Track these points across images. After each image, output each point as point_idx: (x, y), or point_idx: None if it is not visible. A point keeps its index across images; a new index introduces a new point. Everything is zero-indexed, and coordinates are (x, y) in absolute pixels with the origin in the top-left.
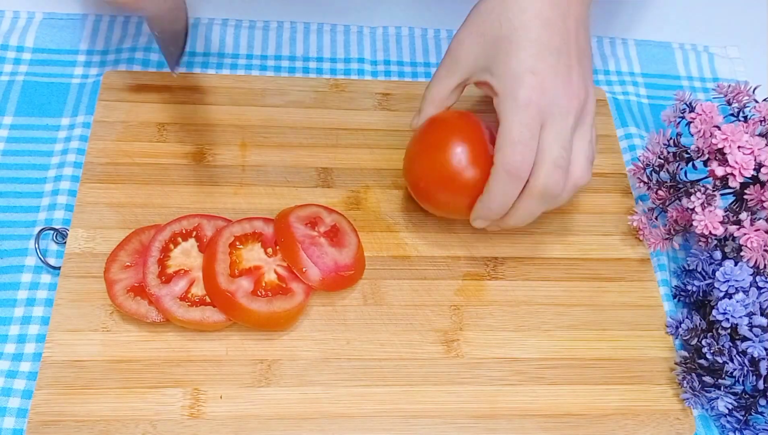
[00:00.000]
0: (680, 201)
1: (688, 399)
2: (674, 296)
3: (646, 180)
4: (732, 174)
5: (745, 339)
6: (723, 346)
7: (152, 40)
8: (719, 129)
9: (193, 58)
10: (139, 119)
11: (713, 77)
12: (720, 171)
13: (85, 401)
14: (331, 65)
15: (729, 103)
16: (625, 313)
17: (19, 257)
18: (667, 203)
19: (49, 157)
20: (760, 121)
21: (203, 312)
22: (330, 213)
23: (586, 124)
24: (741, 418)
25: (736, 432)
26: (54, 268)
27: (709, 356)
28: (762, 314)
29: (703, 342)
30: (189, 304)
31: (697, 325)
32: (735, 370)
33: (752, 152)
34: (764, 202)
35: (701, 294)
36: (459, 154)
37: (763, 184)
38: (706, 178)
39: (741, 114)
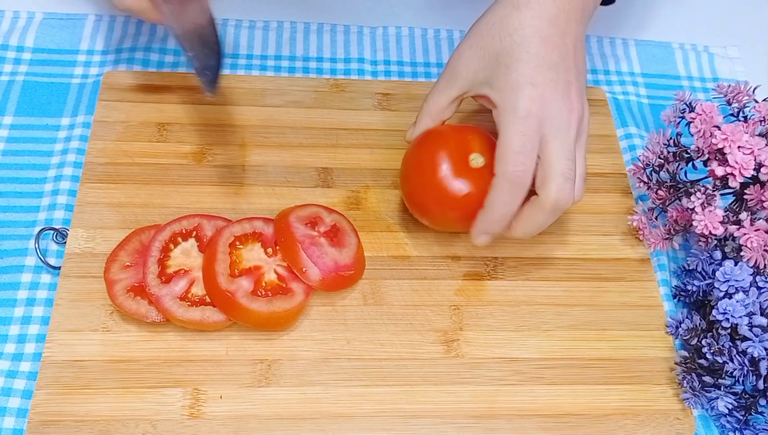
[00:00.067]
0: (680, 201)
1: (688, 399)
2: (674, 296)
3: (646, 180)
4: (732, 174)
5: (745, 339)
6: (723, 346)
7: (152, 40)
8: (719, 129)
9: None
10: (139, 119)
11: (713, 77)
12: (720, 171)
13: (85, 401)
14: (331, 65)
15: (729, 103)
16: (625, 313)
17: (19, 257)
18: (667, 203)
19: (49, 157)
20: (760, 121)
21: (203, 312)
22: (330, 213)
23: (582, 141)
24: (741, 418)
25: (736, 432)
26: (54, 268)
27: (709, 356)
28: (762, 314)
29: (703, 342)
30: (189, 304)
31: (697, 325)
32: (735, 370)
33: (752, 152)
34: (764, 202)
35: (701, 294)
36: (450, 170)
37: (763, 184)
38: (706, 178)
39: (741, 114)
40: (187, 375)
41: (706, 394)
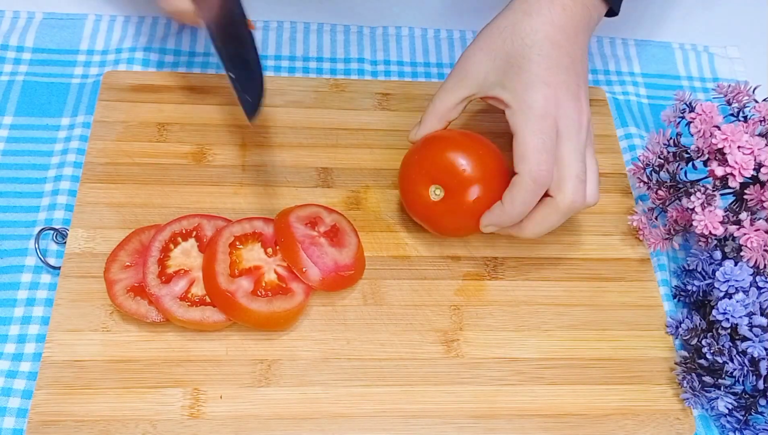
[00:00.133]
0: (680, 201)
1: (688, 399)
2: (674, 296)
3: (646, 180)
4: (732, 174)
5: (745, 339)
6: (723, 346)
7: (152, 39)
8: (719, 129)
9: (193, 58)
10: (139, 119)
11: (713, 77)
12: (720, 171)
13: (85, 401)
14: (331, 65)
15: (729, 103)
16: (625, 313)
17: (19, 257)
18: (667, 203)
19: (49, 157)
20: (760, 121)
21: (203, 312)
22: (330, 213)
23: (591, 144)
24: (741, 418)
25: (736, 432)
26: (54, 268)
27: (709, 356)
28: (762, 314)
29: (703, 342)
30: (189, 304)
31: (697, 325)
32: (735, 370)
33: (752, 152)
34: (764, 202)
35: (701, 294)
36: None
37: (763, 184)
38: (706, 178)
39: (741, 114)
40: (187, 375)
41: (706, 394)
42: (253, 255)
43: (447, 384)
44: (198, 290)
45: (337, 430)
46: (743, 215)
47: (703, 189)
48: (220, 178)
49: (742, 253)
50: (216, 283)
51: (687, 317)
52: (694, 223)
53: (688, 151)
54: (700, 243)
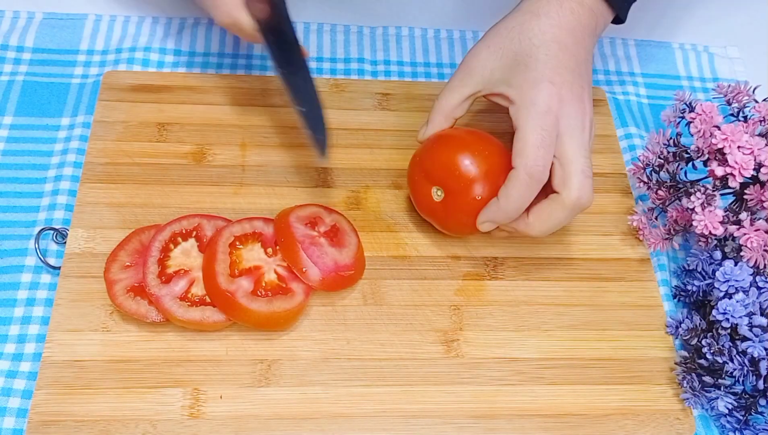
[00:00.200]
0: (680, 201)
1: (688, 399)
2: (674, 296)
3: (646, 180)
4: (732, 174)
5: (745, 339)
6: (723, 346)
7: (152, 40)
8: (719, 129)
9: (193, 58)
10: (139, 119)
11: (713, 77)
12: (720, 171)
13: (85, 401)
14: (331, 65)
15: (729, 103)
16: (625, 313)
17: (19, 257)
18: (667, 203)
19: (49, 157)
20: (760, 121)
21: (203, 312)
22: (330, 213)
23: (591, 146)
24: (741, 418)
25: (736, 432)
26: (54, 268)
27: (709, 356)
28: (762, 314)
29: (703, 342)
30: (189, 304)
31: (697, 325)
32: (735, 370)
33: (752, 152)
34: (764, 202)
35: (701, 294)
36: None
37: (763, 184)
38: (706, 178)
39: (741, 114)
40: (187, 375)
41: (706, 394)
42: (253, 255)
43: (447, 384)
44: (198, 290)
45: (337, 430)
46: (743, 215)
47: (703, 189)
48: (220, 178)
49: (742, 253)
50: (216, 283)
51: (687, 317)
52: (694, 223)
53: (688, 151)
54: (700, 243)
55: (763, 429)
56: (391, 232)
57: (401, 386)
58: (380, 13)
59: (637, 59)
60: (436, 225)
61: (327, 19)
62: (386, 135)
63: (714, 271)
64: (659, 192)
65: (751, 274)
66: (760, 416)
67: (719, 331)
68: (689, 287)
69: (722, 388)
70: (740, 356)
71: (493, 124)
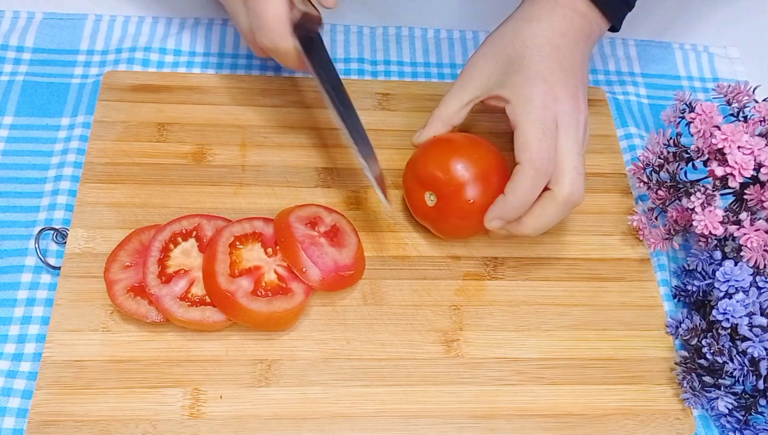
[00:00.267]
0: (680, 201)
1: (688, 399)
2: (674, 296)
3: (646, 180)
4: (732, 174)
5: (745, 339)
6: (723, 346)
7: (152, 40)
8: (719, 129)
9: (193, 58)
10: (139, 119)
11: (713, 77)
12: (720, 171)
13: (85, 401)
14: None
15: (729, 103)
16: (625, 313)
17: (19, 257)
18: (667, 203)
19: (49, 157)
20: (760, 121)
21: (203, 312)
22: (330, 213)
23: (585, 145)
24: (741, 418)
25: (736, 432)
26: (54, 268)
27: (709, 356)
28: (762, 314)
29: (703, 342)
30: (189, 304)
31: (697, 325)
32: (735, 370)
33: (752, 152)
34: (764, 202)
35: (701, 294)
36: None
37: (763, 184)
38: (706, 178)
39: (741, 114)
40: (187, 375)
41: (706, 394)
42: (253, 255)
43: (447, 384)
44: (198, 290)
45: (337, 430)
46: (743, 215)
47: (703, 189)
48: (220, 178)
49: (742, 253)
50: (216, 283)
51: (687, 317)
52: (694, 223)
53: (688, 151)
54: (700, 243)
55: (763, 429)
56: (391, 232)
57: (401, 386)
58: (380, 13)
59: (637, 59)
60: (432, 229)
61: (327, 19)
62: (386, 135)
63: (714, 271)
64: (659, 192)
65: (751, 274)
66: (760, 416)
67: (719, 331)
68: (689, 287)
69: (722, 388)
70: (740, 356)
71: (493, 124)
